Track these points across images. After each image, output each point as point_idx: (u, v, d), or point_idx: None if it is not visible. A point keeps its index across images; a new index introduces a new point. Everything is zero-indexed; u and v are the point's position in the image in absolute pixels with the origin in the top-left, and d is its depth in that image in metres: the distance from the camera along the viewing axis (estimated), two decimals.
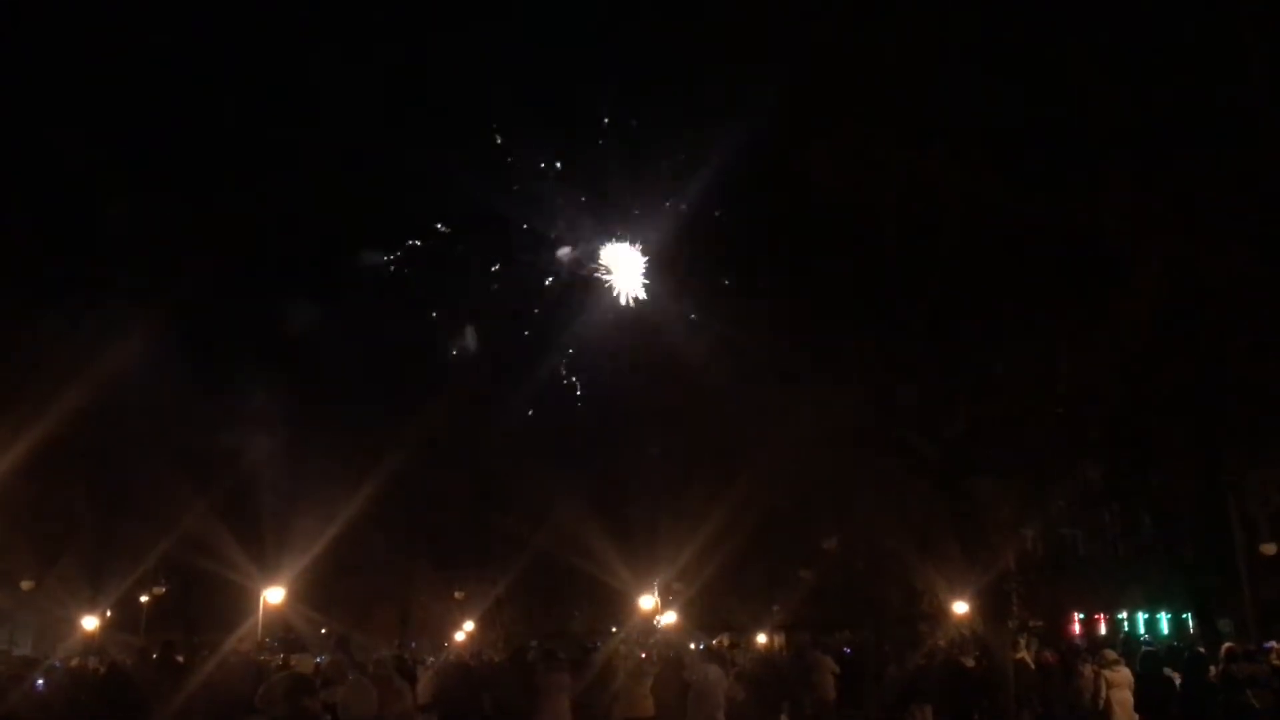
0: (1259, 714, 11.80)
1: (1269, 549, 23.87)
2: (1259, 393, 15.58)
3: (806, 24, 14.42)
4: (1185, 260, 12.75)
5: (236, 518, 29.48)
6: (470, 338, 29.57)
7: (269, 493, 31.26)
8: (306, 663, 15.49)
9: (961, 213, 13.49)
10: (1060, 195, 12.88)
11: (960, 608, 22.61)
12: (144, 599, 33.40)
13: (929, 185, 13.43)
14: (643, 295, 22.61)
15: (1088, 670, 13.32)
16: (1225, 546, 25.46)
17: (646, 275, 22.66)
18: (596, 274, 23.52)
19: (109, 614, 31.72)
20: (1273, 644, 16.78)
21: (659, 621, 34.08)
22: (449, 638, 33.69)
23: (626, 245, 23.35)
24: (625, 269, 23.22)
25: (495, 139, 24.71)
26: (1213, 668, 12.64)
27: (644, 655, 17.86)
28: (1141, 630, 31.32)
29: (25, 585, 28.92)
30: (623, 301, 23.08)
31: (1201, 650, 14.52)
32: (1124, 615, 32.91)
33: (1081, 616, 32.72)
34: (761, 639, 31.92)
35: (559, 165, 24.03)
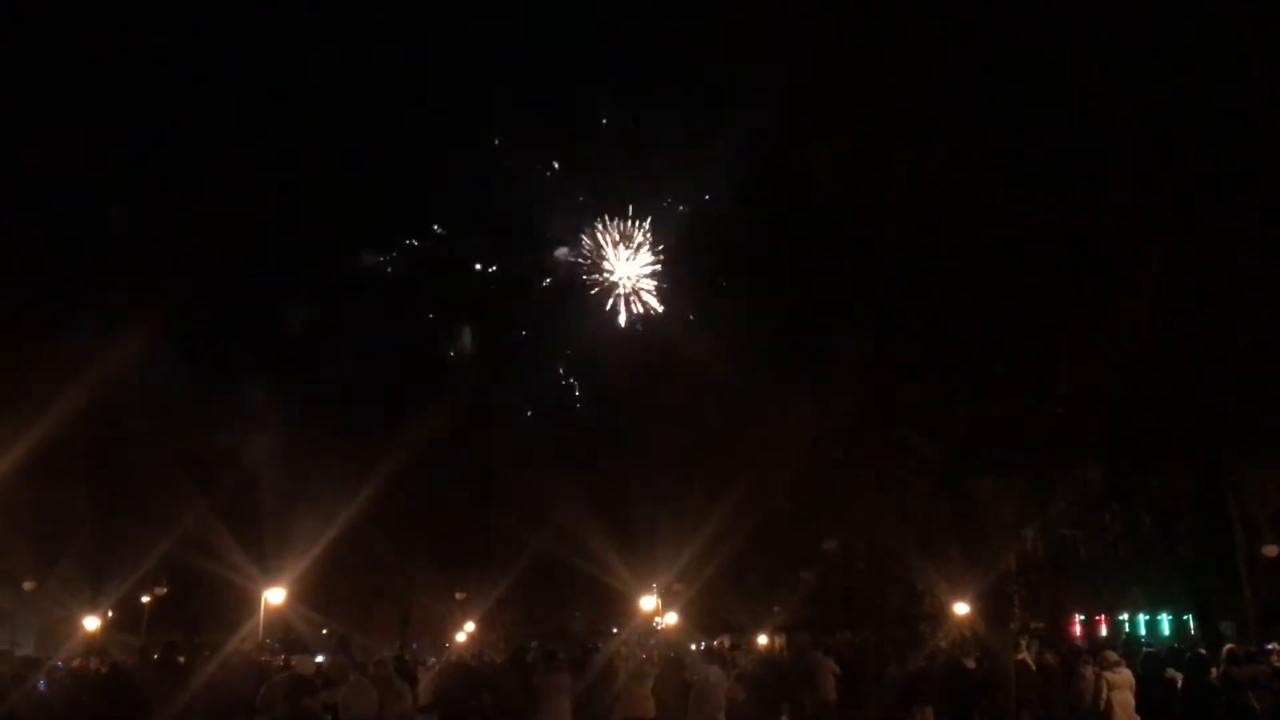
0: (1260, 715, 11.82)
1: (1270, 551, 23.77)
2: (1259, 393, 15.54)
3: (806, 24, 14.43)
4: (1185, 260, 12.73)
5: (237, 518, 29.49)
6: (469, 338, 29.67)
7: (269, 493, 31.28)
8: (307, 663, 15.43)
9: (961, 213, 13.49)
10: (1060, 195, 12.88)
11: (961, 608, 22.56)
12: (145, 599, 33.31)
13: (929, 185, 13.43)
14: (642, 296, 22.65)
15: (1089, 672, 13.28)
16: (1226, 547, 25.37)
17: (646, 276, 22.71)
18: (596, 274, 23.57)
19: (110, 614, 31.72)
20: (1274, 645, 16.78)
21: (659, 622, 34.05)
22: (450, 638, 33.69)
23: (626, 246, 23.41)
24: (625, 269, 23.28)
25: (495, 139, 24.79)
26: (1214, 669, 12.62)
27: (645, 656, 17.86)
28: (1142, 631, 31.31)
29: (27, 586, 28.96)
30: (622, 302, 23.13)
31: (1202, 652, 14.47)
32: (1125, 616, 32.86)
33: (1082, 618, 32.65)
34: (762, 640, 31.89)
35: (558, 165, 24.10)
